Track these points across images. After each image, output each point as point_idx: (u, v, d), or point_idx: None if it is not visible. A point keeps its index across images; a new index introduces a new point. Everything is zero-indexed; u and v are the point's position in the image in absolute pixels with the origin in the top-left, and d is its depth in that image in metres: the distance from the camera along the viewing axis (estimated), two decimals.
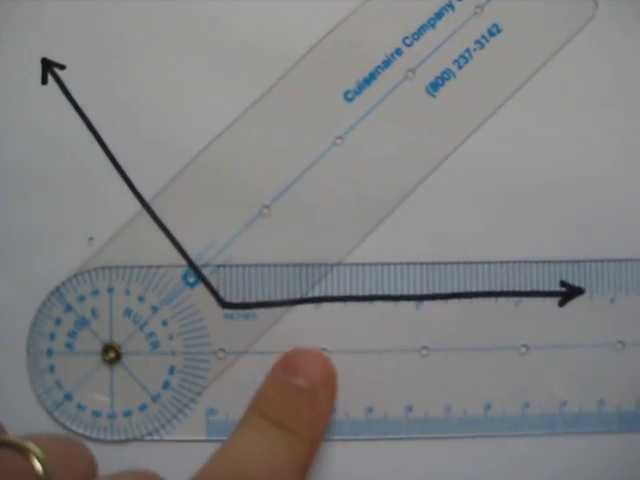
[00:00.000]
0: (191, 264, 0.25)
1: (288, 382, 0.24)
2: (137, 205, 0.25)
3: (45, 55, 0.25)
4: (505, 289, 0.26)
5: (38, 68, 0.25)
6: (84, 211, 0.25)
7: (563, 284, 0.25)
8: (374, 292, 0.25)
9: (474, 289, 0.25)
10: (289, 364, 0.24)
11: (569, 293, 0.25)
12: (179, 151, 0.25)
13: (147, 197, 0.25)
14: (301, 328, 0.25)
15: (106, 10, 0.25)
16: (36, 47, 0.25)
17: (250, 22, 0.25)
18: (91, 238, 0.25)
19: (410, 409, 0.25)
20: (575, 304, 0.25)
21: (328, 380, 0.25)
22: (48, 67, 0.25)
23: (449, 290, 0.25)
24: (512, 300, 0.26)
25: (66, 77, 0.25)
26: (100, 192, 0.25)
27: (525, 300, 0.26)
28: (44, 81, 0.25)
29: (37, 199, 0.25)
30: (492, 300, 0.26)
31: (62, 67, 0.25)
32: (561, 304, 0.25)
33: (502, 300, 0.26)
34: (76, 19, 0.25)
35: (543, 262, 0.26)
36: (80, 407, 0.25)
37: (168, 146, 0.25)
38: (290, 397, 0.24)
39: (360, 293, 0.25)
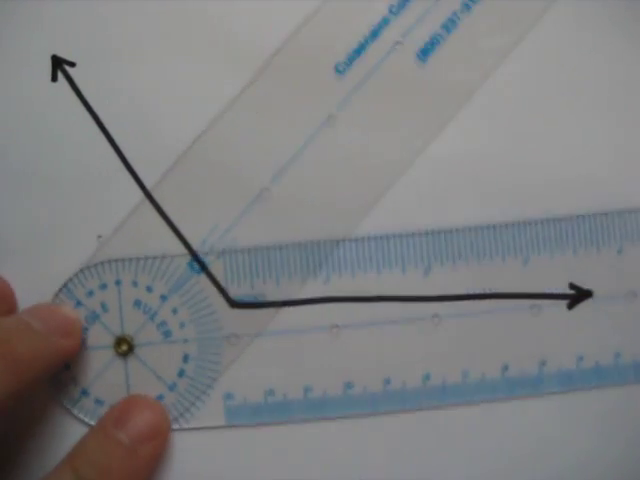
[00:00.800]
0: (194, 256, 0.25)
1: (109, 435, 0.23)
2: (147, 203, 0.25)
3: (55, 52, 0.25)
4: (512, 249, 0.25)
5: (48, 65, 0.25)
6: (93, 208, 0.25)
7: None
8: (381, 264, 0.25)
9: (481, 252, 0.25)
10: (119, 414, 0.24)
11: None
12: (185, 143, 0.25)
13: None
14: (311, 306, 0.25)
15: (116, 8, 0.25)
16: (46, 44, 0.25)
17: (239, 5, 0.25)
18: (100, 236, 0.25)
19: (428, 377, 0.25)
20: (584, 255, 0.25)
21: (154, 436, 0.24)
22: (58, 64, 0.25)
23: (456, 256, 0.25)
24: (520, 259, 0.25)
25: (76, 74, 0.25)
26: (109, 190, 0.25)
27: (534, 258, 0.25)
28: (54, 78, 0.25)
29: (46, 196, 0.25)
30: (500, 260, 0.25)
31: (72, 64, 0.25)
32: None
33: (510, 260, 0.25)
34: (86, 16, 0.25)
35: (549, 220, 0.25)
36: (98, 402, 0.25)
37: (176, 141, 0.25)
38: (106, 452, 0.23)
39: (368, 266, 0.25)
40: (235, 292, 0.25)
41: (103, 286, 0.25)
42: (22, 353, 0.22)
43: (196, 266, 0.25)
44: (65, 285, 0.25)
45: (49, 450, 0.25)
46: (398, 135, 0.25)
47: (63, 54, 0.25)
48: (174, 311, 0.25)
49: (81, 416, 0.25)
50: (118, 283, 0.25)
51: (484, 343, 0.25)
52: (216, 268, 0.25)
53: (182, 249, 0.25)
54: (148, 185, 0.25)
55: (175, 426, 0.25)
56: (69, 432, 0.25)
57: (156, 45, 0.25)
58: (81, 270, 0.25)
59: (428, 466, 0.25)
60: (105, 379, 0.25)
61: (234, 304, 0.25)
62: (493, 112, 0.26)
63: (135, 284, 0.25)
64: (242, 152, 0.25)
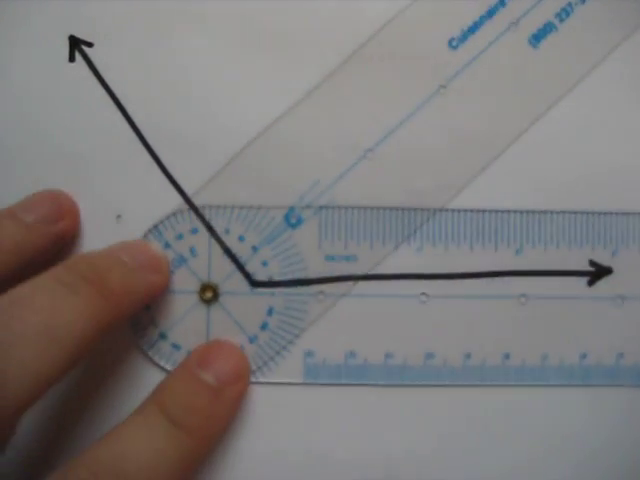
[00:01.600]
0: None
1: (195, 375, 0.23)
2: (167, 184, 0.25)
3: (72, 32, 0.25)
4: (599, 241, 0.26)
5: (66, 45, 0.25)
6: (113, 188, 0.25)
7: None
8: (475, 238, 0.25)
9: (573, 239, 0.26)
10: (204, 356, 0.24)
11: None
12: (211, 126, 0.25)
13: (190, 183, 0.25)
14: (401, 272, 0.25)
15: None
16: (63, 25, 0.25)
17: None
18: (119, 216, 0.25)
19: (507, 356, 0.25)
20: None
21: (238, 379, 0.24)
22: (75, 44, 0.25)
23: (548, 239, 0.26)
24: (609, 250, 0.26)
25: (94, 54, 0.25)
26: (129, 169, 0.25)
27: (622, 250, 0.26)
28: (71, 58, 0.25)
29: (65, 177, 0.25)
30: (589, 248, 0.26)
31: (90, 44, 0.25)
32: None
33: (599, 249, 0.26)
34: None
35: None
36: (175, 346, 0.25)
37: (199, 121, 0.25)
38: (192, 392, 0.23)
39: (462, 240, 0.25)
40: (328, 250, 0.25)
41: (194, 230, 0.25)
42: (116, 285, 0.22)
43: (292, 220, 0.25)
44: (155, 227, 0.25)
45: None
46: (504, 113, 0.26)
47: (80, 34, 0.25)
48: (264, 263, 0.25)
49: (156, 359, 0.25)
50: (211, 228, 0.25)
51: (566, 328, 0.26)
52: (311, 224, 0.25)
53: (279, 202, 0.25)
54: (169, 166, 0.25)
55: (252, 379, 0.25)
56: (144, 376, 0.25)
57: (175, 26, 0.25)
58: (173, 213, 0.25)
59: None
60: (185, 324, 0.25)
61: (254, 283, 0.25)
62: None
63: (227, 232, 0.25)
64: (350, 112, 0.25)
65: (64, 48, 0.25)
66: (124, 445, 0.21)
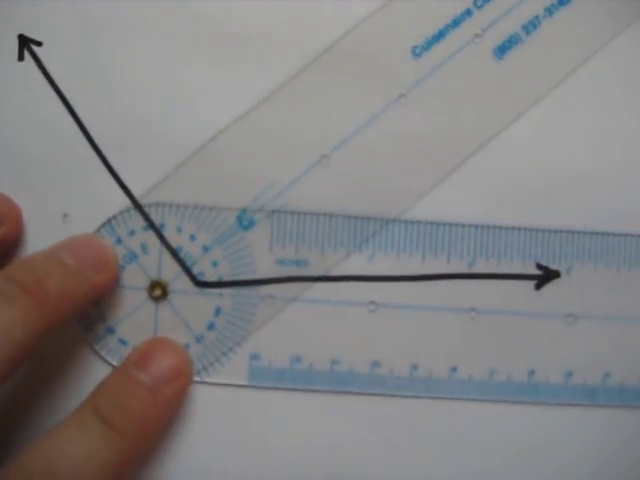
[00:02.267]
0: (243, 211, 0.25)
1: (130, 375, 0.23)
2: (111, 182, 0.25)
3: (22, 31, 0.25)
4: (553, 257, 0.25)
5: (15, 44, 0.25)
6: (59, 188, 0.25)
7: None
8: (427, 249, 0.25)
9: (527, 254, 0.25)
10: (141, 355, 0.24)
11: None
12: (159, 125, 0.25)
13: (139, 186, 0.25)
14: (352, 278, 0.25)
15: None
16: (13, 23, 0.25)
17: None
18: (65, 215, 0.25)
19: (455, 369, 0.25)
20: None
21: (176, 378, 0.23)
22: (25, 43, 0.25)
23: (502, 253, 0.25)
24: (564, 267, 0.25)
25: (43, 54, 0.25)
26: (76, 169, 0.25)
27: (576, 268, 0.25)
28: (21, 57, 0.25)
29: (12, 176, 0.25)
30: (543, 263, 0.25)
31: (39, 44, 0.25)
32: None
33: (553, 266, 0.25)
34: None
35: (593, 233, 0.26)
36: (122, 342, 0.25)
37: (144, 121, 0.25)
38: (126, 392, 0.23)
39: (414, 250, 0.25)
40: (279, 254, 0.25)
41: (146, 227, 0.25)
42: (53, 290, 0.22)
43: (244, 222, 0.25)
44: (108, 222, 0.25)
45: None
46: (465, 125, 0.25)
47: (30, 33, 0.25)
48: (214, 264, 0.25)
49: (103, 354, 0.25)
50: (162, 227, 0.25)
51: (515, 344, 0.25)
52: (263, 227, 0.25)
53: (232, 203, 0.25)
54: (116, 167, 0.25)
55: (197, 379, 0.25)
56: (92, 371, 0.25)
57: (124, 26, 0.25)
58: (127, 209, 0.25)
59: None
60: (133, 320, 0.25)
61: (198, 283, 0.25)
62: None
63: (179, 230, 0.25)
64: (308, 117, 0.25)
65: (13, 47, 0.25)
66: (58, 446, 0.21)
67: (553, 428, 0.26)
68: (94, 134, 0.25)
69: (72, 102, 0.25)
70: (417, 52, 0.25)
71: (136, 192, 0.25)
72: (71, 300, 0.22)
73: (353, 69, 0.25)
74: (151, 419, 0.23)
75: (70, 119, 0.25)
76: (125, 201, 0.25)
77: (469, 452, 0.25)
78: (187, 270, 0.25)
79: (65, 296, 0.22)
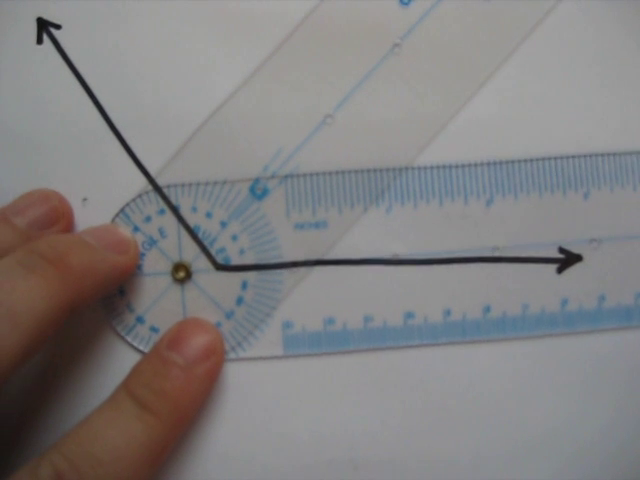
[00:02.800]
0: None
1: (163, 357, 0.23)
2: (132, 166, 0.25)
3: (40, 14, 0.25)
4: (574, 183, 0.25)
5: (33, 27, 0.25)
6: (79, 171, 0.25)
7: None
8: (444, 193, 0.25)
9: (543, 185, 0.25)
10: (173, 336, 0.23)
11: None
12: (174, 108, 0.25)
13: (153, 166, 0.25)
14: (373, 235, 0.25)
15: None
16: (31, 6, 0.25)
17: None
18: (85, 199, 0.25)
19: (488, 309, 0.25)
20: None
21: (209, 356, 0.23)
22: (44, 26, 0.25)
23: (518, 188, 0.25)
24: (581, 193, 0.25)
25: (62, 37, 0.25)
26: (95, 152, 0.25)
27: (594, 192, 0.25)
28: (39, 41, 0.25)
29: (31, 159, 0.25)
30: (560, 194, 0.25)
31: (58, 27, 0.25)
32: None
33: (571, 194, 0.25)
34: None
35: (616, 154, 0.26)
36: (153, 329, 0.25)
37: (164, 104, 0.25)
38: (160, 374, 0.22)
39: (430, 197, 0.25)
40: (297, 219, 0.25)
41: (161, 211, 0.25)
42: (76, 264, 0.22)
43: (257, 192, 0.25)
44: (122, 210, 0.25)
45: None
46: (461, 66, 0.25)
47: (49, 16, 0.25)
48: (234, 238, 0.25)
49: (135, 344, 0.25)
50: (177, 209, 0.25)
51: (543, 278, 0.25)
52: (278, 194, 0.25)
53: (243, 174, 0.25)
54: (137, 151, 0.25)
55: (232, 355, 0.25)
56: (124, 360, 0.25)
57: (144, 9, 0.25)
58: (139, 195, 0.25)
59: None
60: (161, 306, 0.25)
61: (219, 267, 0.25)
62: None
63: (194, 209, 0.25)
64: (306, 79, 0.25)
65: (32, 30, 0.25)
66: (95, 431, 0.21)
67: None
68: (113, 117, 0.25)
69: (91, 85, 0.25)
70: (405, 0, 0.25)
71: (153, 173, 0.25)
72: (93, 277, 0.22)
73: (345, 27, 0.25)
74: (186, 399, 0.22)
75: (89, 102, 0.25)
76: (140, 184, 0.25)
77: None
78: (207, 253, 0.25)
79: (88, 271, 0.22)
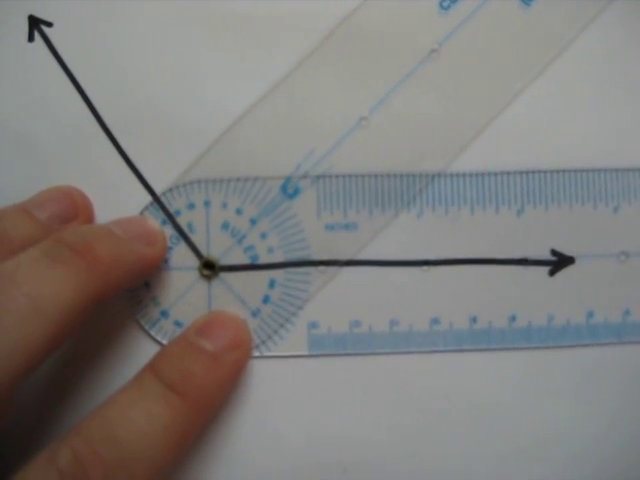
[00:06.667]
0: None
1: (193, 342, 0.23)
2: (123, 165, 0.25)
3: (32, 12, 0.25)
4: (603, 197, 0.25)
5: (25, 25, 0.25)
6: (70, 169, 0.25)
7: None
8: (475, 201, 0.25)
9: (574, 196, 0.25)
10: (203, 325, 0.23)
11: None
12: (167, 108, 0.25)
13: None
14: (403, 239, 0.25)
15: None
16: (23, 4, 0.25)
17: None
18: None
19: (514, 318, 0.25)
20: None
21: (237, 347, 0.23)
22: (35, 24, 0.25)
23: (549, 198, 0.25)
24: (611, 207, 0.25)
25: (53, 35, 0.25)
26: (86, 151, 0.25)
27: (625, 207, 0.25)
28: (31, 38, 0.25)
29: (21, 157, 0.25)
30: (590, 206, 0.25)
31: (49, 24, 0.25)
32: None
33: (601, 207, 0.25)
34: None
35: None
36: (177, 324, 0.25)
37: (157, 103, 0.25)
38: (188, 357, 0.22)
39: (462, 203, 0.25)
40: (327, 220, 0.25)
41: (191, 206, 0.25)
42: (104, 255, 0.21)
43: (289, 190, 0.25)
44: (151, 203, 0.25)
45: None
46: (498, 74, 0.25)
47: (40, 14, 0.25)
48: (263, 236, 0.25)
49: (159, 337, 0.25)
50: (207, 204, 0.25)
51: (572, 289, 0.25)
52: (309, 194, 0.25)
53: (276, 172, 0.25)
54: (126, 149, 0.25)
55: (256, 353, 0.25)
56: (146, 353, 0.25)
57: (136, 7, 0.25)
58: (169, 189, 0.25)
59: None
60: (186, 301, 0.25)
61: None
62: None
63: (224, 206, 0.25)
64: (343, 81, 0.25)
65: (23, 28, 0.25)
66: (119, 411, 0.21)
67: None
68: (103, 115, 0.25)
69: (82, 83, 0.25)
70: (445, 6, 0.25)
71: (165, 175, 0.25)
72: (120, 268, 0.22)
73: (383, 30, 0.25)
74: (213, 384, 0.22)
75: (80, 100, 0.25)
76: (134, 183, 0.25)
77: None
78: (196, 251, 0.25)
79: (114, 262, 0.22)
